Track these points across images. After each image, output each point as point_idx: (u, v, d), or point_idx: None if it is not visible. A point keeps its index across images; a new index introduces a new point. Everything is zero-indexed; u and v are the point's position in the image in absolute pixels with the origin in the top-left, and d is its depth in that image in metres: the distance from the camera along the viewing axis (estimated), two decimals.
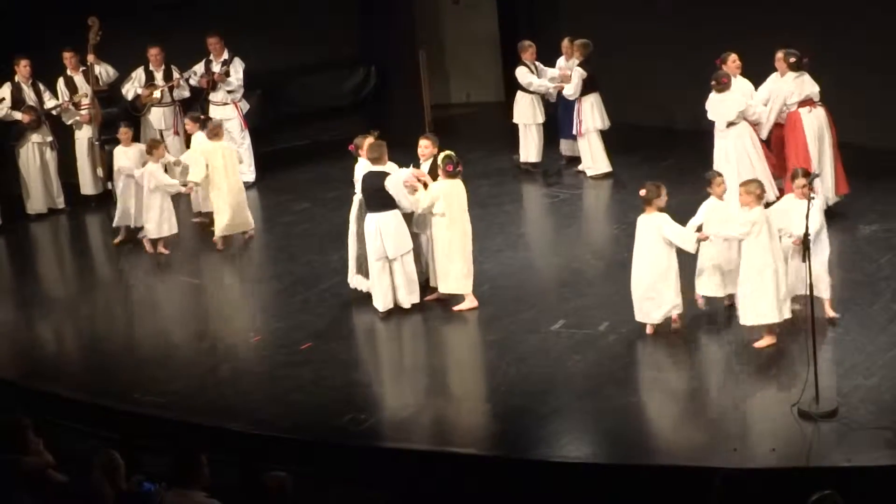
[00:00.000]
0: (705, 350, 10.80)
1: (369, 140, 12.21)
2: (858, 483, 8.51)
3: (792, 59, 13.24)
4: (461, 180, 11.89)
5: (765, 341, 10.59)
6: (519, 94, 16.24)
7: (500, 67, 19.12)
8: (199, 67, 16.38)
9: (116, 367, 11.40)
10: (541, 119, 16.18)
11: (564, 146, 16.55)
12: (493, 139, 16.86)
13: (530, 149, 16.22)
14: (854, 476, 8.61)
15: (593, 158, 15.77)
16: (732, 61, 13.75)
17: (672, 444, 9.45)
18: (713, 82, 13.52)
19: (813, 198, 9.92)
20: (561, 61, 16.22)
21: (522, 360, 10.83)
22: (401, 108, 18.00)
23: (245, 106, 16.40)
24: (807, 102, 13.28)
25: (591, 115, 15.70)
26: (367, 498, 9.46)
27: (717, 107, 13.55)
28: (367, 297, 12.00)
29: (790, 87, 13.28)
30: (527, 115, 16.15)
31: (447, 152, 11.93)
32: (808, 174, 11.02)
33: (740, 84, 13.64)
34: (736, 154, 13.38)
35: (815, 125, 13.27)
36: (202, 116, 15.06)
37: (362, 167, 12.05)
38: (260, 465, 9.02)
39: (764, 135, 13.53)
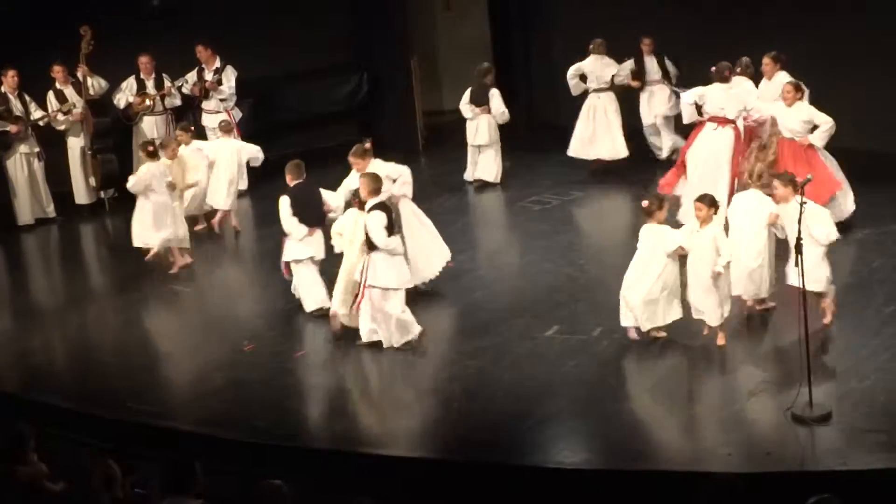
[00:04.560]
0: (699, 354, 10.79)
1: (358, 148, 12.18)
2: (853, 487, 8.50)
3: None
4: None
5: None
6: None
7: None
8: (192, 76, 16.39)
9: (109, 376, 11.38)
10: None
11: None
12: None
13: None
14: (849, 480, 8.60)
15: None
16: (747, 67, 13.77)
17: (667, 449, 9.45)
18: (715, 72, 13.44)
19: (804, 202, 9.80)
20: None
21: (516, 365, 10.83)
22: (393, 114, 18.01)
23: (237, 114, 16.41)
24: None
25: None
26: None
27: (721, 99, 13.51)
28: None
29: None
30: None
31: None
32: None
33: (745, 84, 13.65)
34: (717, 152, 13.37)
35: None
36: (192, 128, 15.01)
37: (351, 180, 12.03)
38: (255, 473, 9.00)
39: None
